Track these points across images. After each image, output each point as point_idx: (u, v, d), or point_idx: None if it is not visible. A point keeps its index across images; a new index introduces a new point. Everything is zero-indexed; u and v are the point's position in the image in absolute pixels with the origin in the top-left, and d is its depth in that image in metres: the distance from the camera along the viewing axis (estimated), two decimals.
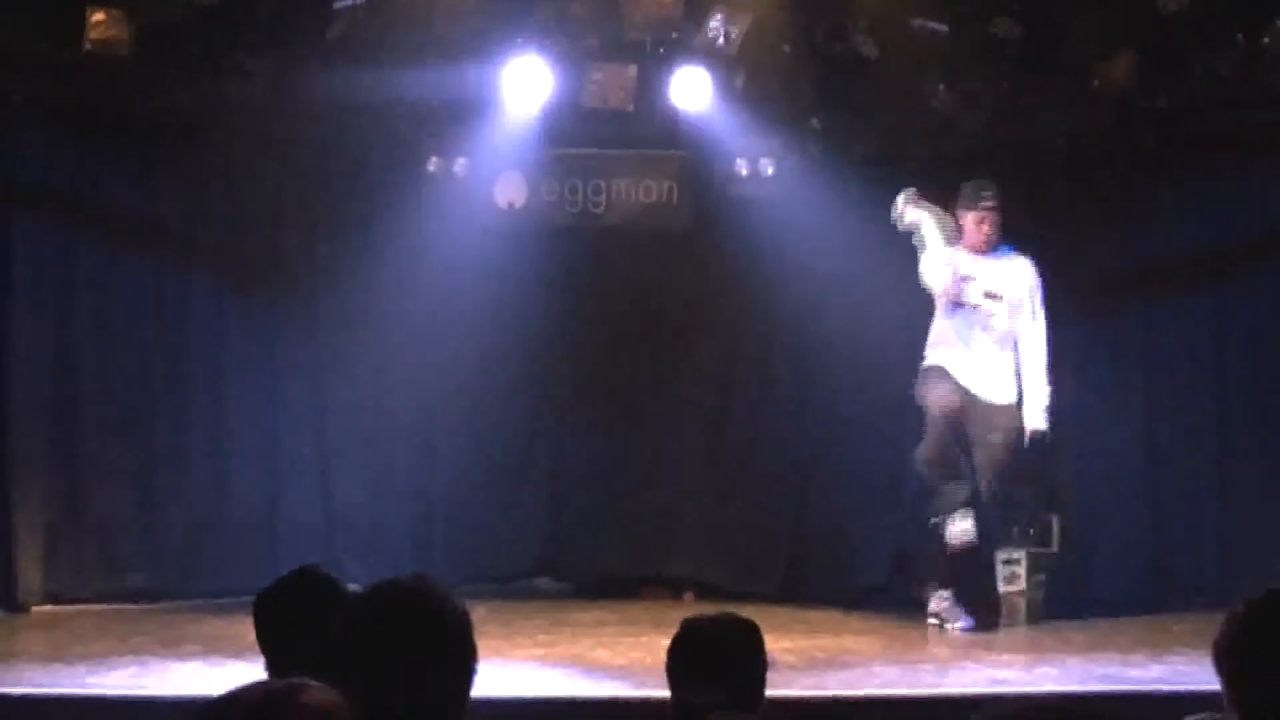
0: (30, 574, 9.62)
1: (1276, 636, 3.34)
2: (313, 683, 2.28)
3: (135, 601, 9.86)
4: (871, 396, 10.75)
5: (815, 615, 9.61)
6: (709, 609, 4.53)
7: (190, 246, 10.59)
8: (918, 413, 9.26)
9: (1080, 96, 9.59)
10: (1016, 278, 9.29)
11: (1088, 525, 10.60)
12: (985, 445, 9.10)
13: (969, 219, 9.27)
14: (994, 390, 9.18)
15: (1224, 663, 3.46)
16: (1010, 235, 9.45)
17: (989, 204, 9.26)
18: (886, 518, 10.72)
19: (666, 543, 11.22)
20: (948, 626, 8.91)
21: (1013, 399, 9.23)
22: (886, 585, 10.58)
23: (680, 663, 4.13)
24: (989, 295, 9.20)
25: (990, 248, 9.29)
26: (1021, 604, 9.90)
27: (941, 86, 9.68)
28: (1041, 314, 9.31)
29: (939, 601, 9.05)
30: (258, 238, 10.79)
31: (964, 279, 9.19)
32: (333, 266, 10.82)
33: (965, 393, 9.12)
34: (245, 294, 10.78)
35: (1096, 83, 9.45)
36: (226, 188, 10.52)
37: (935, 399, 9.09)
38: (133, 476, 10.21)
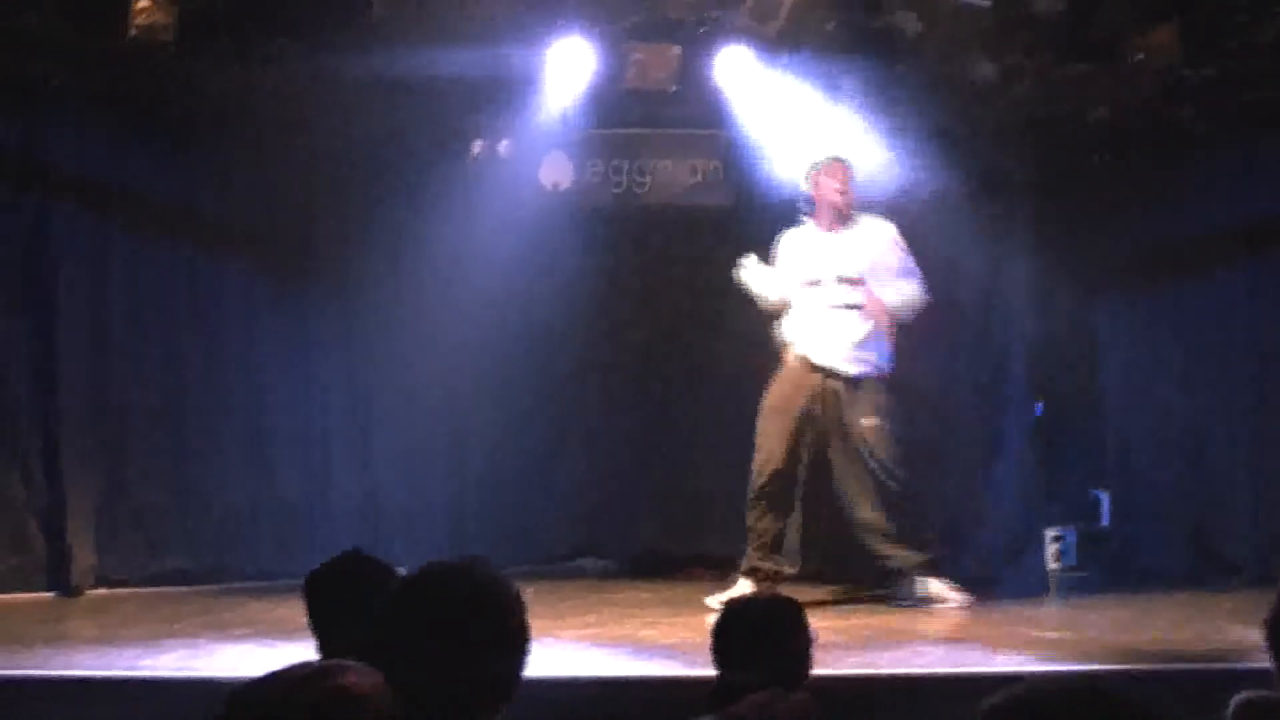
0: (82, 557, 9.70)
1: None
2: (355, 664, 2.29)
3: (182, 584, 9.93)
4: (914, 368, 10.72)
5: (861, 593, 9.59)
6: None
7: (227, 232, 10.63)
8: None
9: (1122, 69, 9.53)
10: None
11: (1131, 500, 10.58)
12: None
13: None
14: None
15: (1275, 638, 3.45)
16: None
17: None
18: (932, 489, 10.72)
19: (708, 521, 11.24)
20: (937, 607, 8.84)
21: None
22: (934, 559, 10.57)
23: (724, 642, 4.16)
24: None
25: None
26: (1064, 580, 9.91)
27: (983, 61, 9.65)
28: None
29: (923, 585, 8.97)
30: (295, 223, 10.82)
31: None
32: (376, 249, 10.84)
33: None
34: (282, 278, 10.82)
35: (1138, 55, 9.39)
36: (264, 174, 10.53)
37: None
38: (174, 461, 10.28)
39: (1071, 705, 1.92)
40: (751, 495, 9.09)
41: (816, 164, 9.27)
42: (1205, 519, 10.31)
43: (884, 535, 9.02)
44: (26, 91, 9.61)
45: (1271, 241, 10.21)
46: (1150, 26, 9.25)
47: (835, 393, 9.03)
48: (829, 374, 9.03)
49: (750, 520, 9.13)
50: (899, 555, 9.02)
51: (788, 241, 9.25)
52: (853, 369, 9.02)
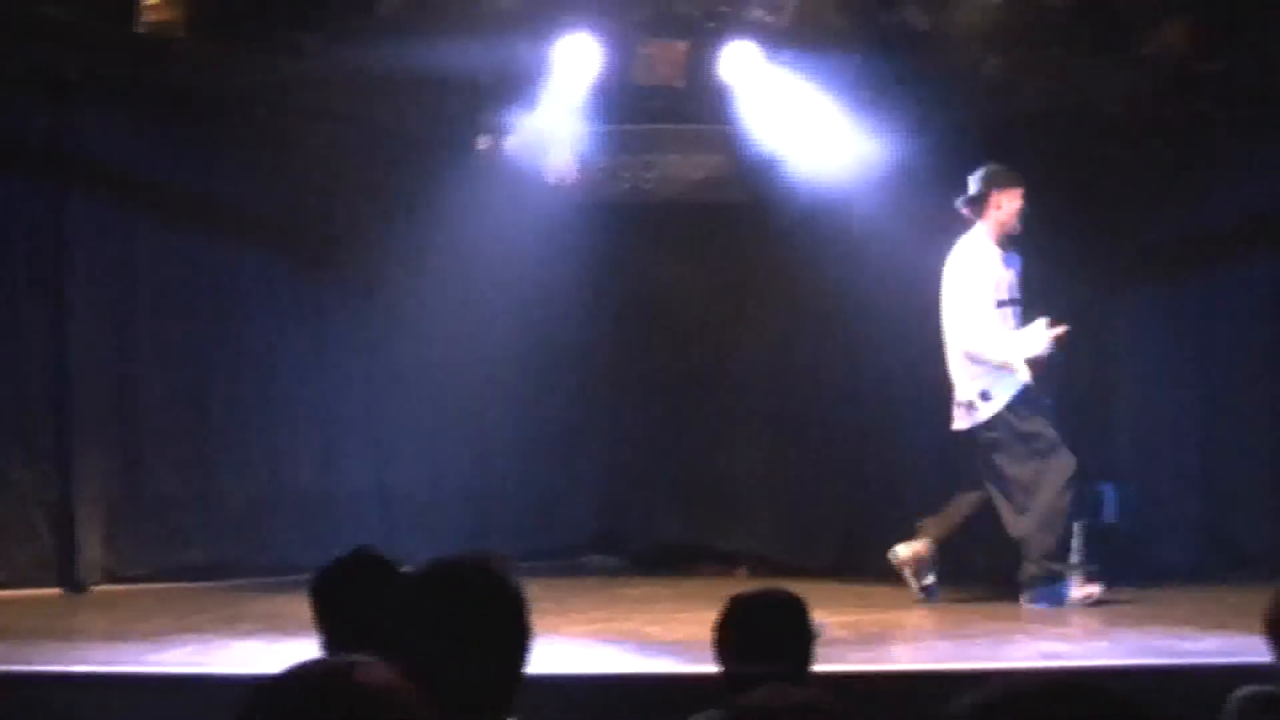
0: (91, 552, 9.71)
1: None
2: (371, 660, 2.30)
3: (194, 578, 9.95)
4: (926, 365, 10.72)
5: (870, 589, 9.60)
6: (761, 584, 4.57)
7: (245, 222, 10.66)
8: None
9: (1135, 62, 9.52)
10: None
11: (1144, 494, 10.57)
12: None
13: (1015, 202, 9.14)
14: None
15: (1275, 634, 3.47)
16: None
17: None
18: (941, 484, 10.71)
19: (721, 516, 11.26)
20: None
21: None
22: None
23: (727, 638, 4.18)
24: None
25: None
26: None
27: (994, 56, 9.64)
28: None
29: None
30: (312, 213, 10.85)
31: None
32: (386, 243, 10.86)
33: None
34: (299, 269, 10.85)
35: (1149, 49, 9.37)
36: (281, 164, 10.55)
37: None
38: (190, 454, 10.29)
39: (1049, 702, 1.93)
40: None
41: (999, 176, 9.15)
42: (1216, 514, 10.30)
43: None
44: (48, 81, 9.63)
45: None
46: (1161, 20, 9.24)
47: None
48: None
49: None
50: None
51: (989, 257, 9.08)
52: None
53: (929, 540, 9.07)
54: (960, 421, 9.07)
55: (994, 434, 8.92)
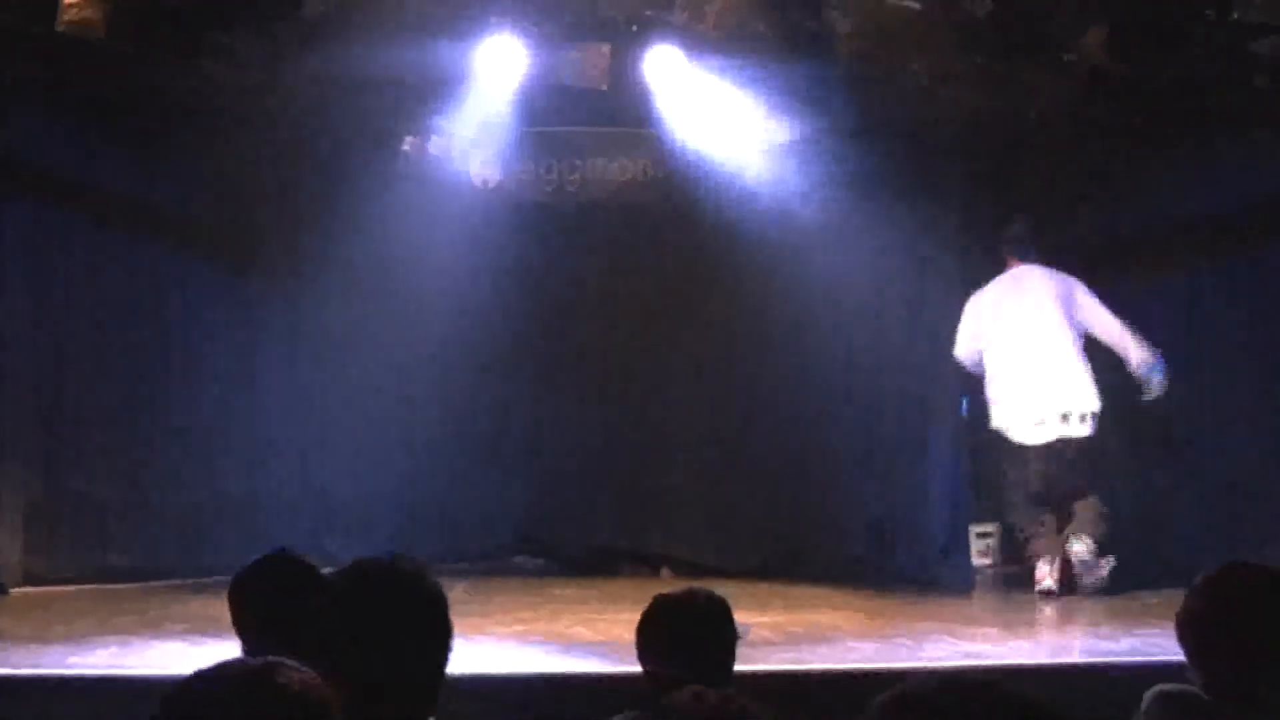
0: (11, 555, 9.62)
1: (1232, 608, 3.43)
2: (290, 662, 2.31)
3: (117, 582, 9.87)
4: (851, 366, 10.79)
5: (796, 590, 9.65)
6: (685, 585, 4.58)
7: (173, 227, 10.60)
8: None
9: (1054, 70, 9.60)
10: None
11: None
12: None
13: None
14: None
15: (1185, 635, 3.55)
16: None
17: None
18: (865, 488, 10.76)
19: (648, 519, 11.27)
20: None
21: None
22: (864, 556, 10.63)
23: (650, 638, 4.19)
24: None
25: None
26: (991, 576, 10.00)
27: (915, 63, 9.70)
28: None
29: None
30: (240, 218, 10.79)
31: None
32: (313, 246, 10.82)
33: None
34: (227, 273, 10.81)
35: (1071, 56, 9.45)
36: (209, 168, 10.47)
37: None
38: (116, 458, 10.23)
39: (950, 702, 1.96)
40: None
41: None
42: (1136, 516, 10.36)
43: None
44: None
45: (1207, 242, 10.26)
46: (1080, 28, 9.32)
47: None
48: None
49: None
50: None
51: None
52: None
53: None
54: (1081, 427, 9.65)
55: (1096, 442, 9.67)
